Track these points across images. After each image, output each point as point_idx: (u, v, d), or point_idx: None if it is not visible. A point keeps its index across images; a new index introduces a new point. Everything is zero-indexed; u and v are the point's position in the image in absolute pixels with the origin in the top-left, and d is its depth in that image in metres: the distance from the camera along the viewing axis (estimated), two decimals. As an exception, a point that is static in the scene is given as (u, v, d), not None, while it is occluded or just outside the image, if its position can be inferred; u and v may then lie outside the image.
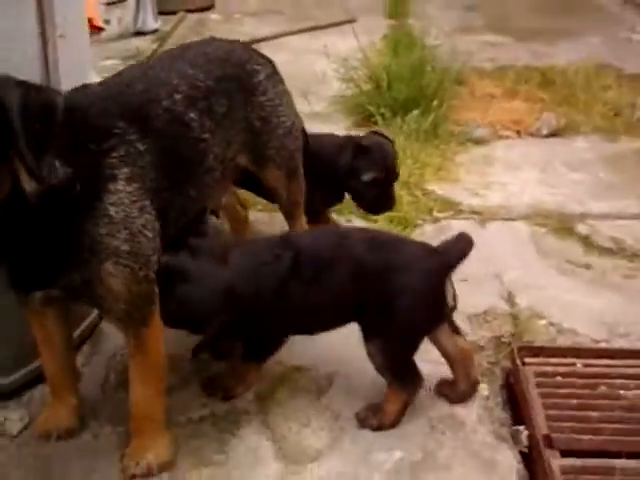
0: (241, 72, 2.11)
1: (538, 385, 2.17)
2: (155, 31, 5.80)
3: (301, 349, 2.23)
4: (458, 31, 6.13)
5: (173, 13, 6.34)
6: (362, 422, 2.01)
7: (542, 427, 2.00)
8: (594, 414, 2.05)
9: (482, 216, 3.10)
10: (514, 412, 2.14)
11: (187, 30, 6.16)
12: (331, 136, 2.84)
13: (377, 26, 6.13)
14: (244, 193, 2.78)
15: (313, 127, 2.91)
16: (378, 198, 2.69)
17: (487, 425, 2.04)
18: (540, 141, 3.96)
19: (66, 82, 1.95)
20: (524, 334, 2.40)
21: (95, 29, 4.36)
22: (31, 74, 1.77)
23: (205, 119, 1.91)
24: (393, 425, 1.99)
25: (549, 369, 2.25)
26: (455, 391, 2.12)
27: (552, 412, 2.06)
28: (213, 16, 6.57)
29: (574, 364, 2.27)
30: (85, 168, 1.57)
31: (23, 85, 1.43)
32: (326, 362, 2.22)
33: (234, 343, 2.08)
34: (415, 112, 3.81)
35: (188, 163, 1.86)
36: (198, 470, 1.84)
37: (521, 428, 2.05)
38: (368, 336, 1.96)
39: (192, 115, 1.87)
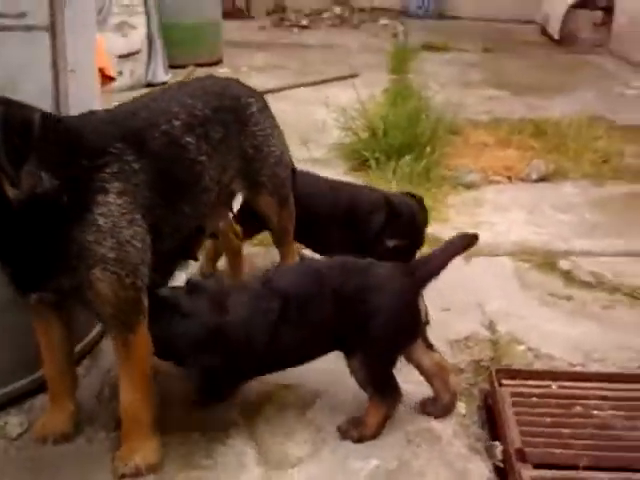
0: (236, 104, 2.29)
1: (514, 404, 2.27)
2: (165, 83, 6.06)
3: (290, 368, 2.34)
4: (457, 85, 6.39)
5: (183, 67, 6.64)
6: (344, 434, 2.11)
7: (516, 442, 2.09)
8: (566, 431, 2.15)
9: (468, 252, 3.23)
10: (491, 431, 2.23)
11: (196, 82, 6.43)
12: (366, 192, 2.84)
13: (379, 80, 6.39)
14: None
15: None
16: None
17: (462, 439, 2.13)
18: (530, 186, 4.12)
19: (74, 113, 2.13)
20: (503, 358, 2.51)
21: (107, 79, 4.55)
22: (43, 104, 1.95)
23: (202, 143, 2.08)
24: (374, 436, 2.09)
25: (525, 390, 2.35)
26: (437, 406, 2.22)
27: (526, 428, 2.15)
28: (221, 70, 6.85)
29: (550, 386, 2.37)
30: (75, 181, 1.72)
31: (5, 103, 1.60)
32: (312, 380, 2.32)
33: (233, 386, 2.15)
34: (408, 157, 3.98)
35: (184, 182, 2.02)
36: (186, 472, 1.94)
37: (496, 443, 2.14)
38: (350, 353, 2.08)
39: (189, 139, 2.04)
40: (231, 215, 2.67)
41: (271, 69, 7.25)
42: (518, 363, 2.48)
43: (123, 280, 1.79)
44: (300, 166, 2.95)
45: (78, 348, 2.30)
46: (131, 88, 5.68)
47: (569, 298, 2.89)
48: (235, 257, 2.85)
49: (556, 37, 8.89)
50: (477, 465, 2.03)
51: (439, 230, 3.48)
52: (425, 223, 2.69)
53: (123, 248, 1.77)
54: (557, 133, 4.80)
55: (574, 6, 8.71)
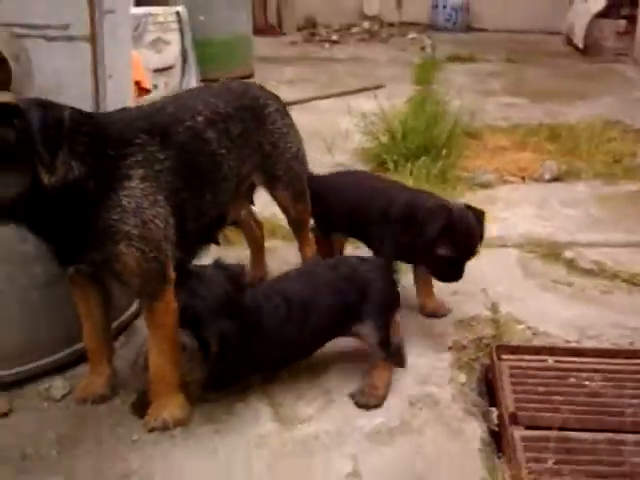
0: (255, 104, 2.55)
1: (511, 376, 2.48)
2: (198, 96, 6.36)
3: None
4: (478, 93, 6.58)
5: (215, 81, 6.93)
6: (357, 402, 2.33)
7: (510, 407, 2.30)
8: (558, 398, 2.35)
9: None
10: (490, 401, 2.43)
11: (228, 95, 6.73)
12: (424, 197, 2.83)
13: (403, 91, 6.59)
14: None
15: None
16: (446, 268, 2.65)
17: (460, 404, 2.34)
18: (542, 185, 4.30)
19: (111, 112, 2.41)
20: (503, 336, 2.70)
21: (143, 91, 4.85)
22: (84, 105, 2.24)
23: (222, 138, 2.34)
24: (383, 397, 2.33)
25: (523, 364, 2.55)
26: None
27: (520, 396, 2.36)
28: (252, 83, 7.13)
29: (546, 360, 2.57)
30: (102, 168, 1.98)
31: (42, 104, 1.87)
32: (324, 351, 2.52)
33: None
34: (424, 158, 4.19)
35: (205, 171, 2.28)
36: (208, 426, 2.20)
37: (492, 409, 2.35)
38: (362, 320, 2.37)
39: (211, 133, 2.30)
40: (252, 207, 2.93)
41: (300, 82, 7.52)
42: (517, 340, 2.68)
43: (147, 254, 2.04)
44: (324, 170, 3.22)
45: (115, 325, 2.57)
46: (166, 100, 6.01)
47: (570, 284, 3.07)
48: (257, 247, 3.10)
49: (580, 46, 9.02)
50: (471, 425, 2.24)
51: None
52: (481, 237, 2.69)
53: (146, 226, 2.03)
54: (571, 136, 4.97)
55: (598, 15, 8.85)
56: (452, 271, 2.63)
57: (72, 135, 1.92)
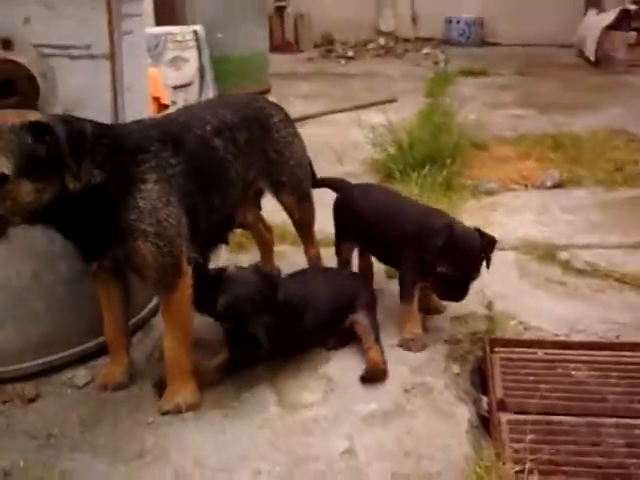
0: (260, 115, 2.77)
1: (502, 366, 2.64)
2: (216, 111, 6.59)
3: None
4: (487, 105, 6.75)
5: (232, 96, 7.18)
6: (365, 377, 2.55)
7: (499, 394, 2.46)
8: (545, 386, 2.50)
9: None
10: (483, 392, 2.58)
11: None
12: (436, 215, 2.89)
13: (415, 104, 6.80)
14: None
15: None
16: (447, 287, 2.73)
17: (452, 391, 2.50)
18: (544, 192, 4.46)
19: (129, 123, 2.63)
20: (496, 331, 2.86)
21: (162, 107, 5.09)
22: (104, 117, 2.47)
23: (229, 145, 2.55)
24: (384, 372, 2.57)
25: (514, 356, 2.71)
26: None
27: (509, 384, 2.52)
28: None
29: (536, 352, 2.73)
30: (120, 174, 2.20)
31: (66, 119, 2.09)
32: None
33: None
34: (429, 167, 4.37)
35: (214, 176, 2.49)
36: (217, 410, 2.39)
37: (483, 397, 2.51)
38: (356, 311, 2.74)
39: (218, 141, 2.51)
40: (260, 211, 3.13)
41: (315, 97, 7.76)
42: (509, 333, 2.84)
43: (162, 249, 2.25)
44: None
45: (132, 322, 2.77)
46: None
47: (563, 283, 3.22)
48: (266, 250, 3.30)
49: (592, 59, 9.17)
50: (462, 409, 2.40)
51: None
52: (488, 262, 2.73)
53: (161, 224, 2.24)
54: (575, 145, 5.12)
55: (609, 28, 9.00)
56: (453, 291, 2.73)
57: (93, 146, 2.14)
